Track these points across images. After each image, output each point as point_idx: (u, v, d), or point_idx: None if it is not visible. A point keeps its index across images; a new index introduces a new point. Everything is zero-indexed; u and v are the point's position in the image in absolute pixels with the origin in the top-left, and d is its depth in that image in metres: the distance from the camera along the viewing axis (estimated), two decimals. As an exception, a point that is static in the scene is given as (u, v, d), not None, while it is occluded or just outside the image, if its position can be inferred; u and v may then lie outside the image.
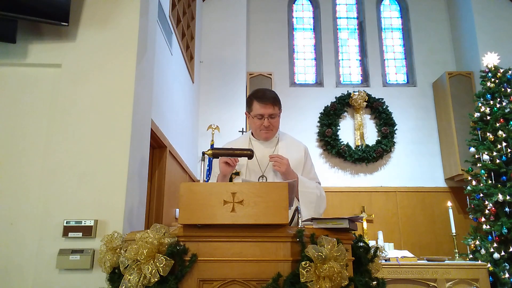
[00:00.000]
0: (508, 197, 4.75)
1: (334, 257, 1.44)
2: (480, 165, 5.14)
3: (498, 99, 5.32)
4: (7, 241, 2.15)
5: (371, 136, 6.58)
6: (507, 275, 4.52)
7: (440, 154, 6.49)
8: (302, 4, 7.46)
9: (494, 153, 5.05)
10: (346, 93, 6.68)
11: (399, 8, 7.40)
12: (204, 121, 6.09)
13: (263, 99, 2.10)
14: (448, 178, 6.30)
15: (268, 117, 2.11)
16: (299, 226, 1.60)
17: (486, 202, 4.91)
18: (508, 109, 5.20)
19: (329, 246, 1.46)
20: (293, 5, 7.42)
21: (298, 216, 1.68)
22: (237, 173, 2.14)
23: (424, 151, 6.52)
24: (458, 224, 4.98)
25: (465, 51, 6.62)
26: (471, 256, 4.86)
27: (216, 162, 2.15)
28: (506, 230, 4.66)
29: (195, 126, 5.93)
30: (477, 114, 5.42)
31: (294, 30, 7.30)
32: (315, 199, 2.09)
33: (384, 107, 6.62)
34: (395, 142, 6.52)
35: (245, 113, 2.26)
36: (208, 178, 5.38)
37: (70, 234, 2.12)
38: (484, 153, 5.12)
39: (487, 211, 4.91)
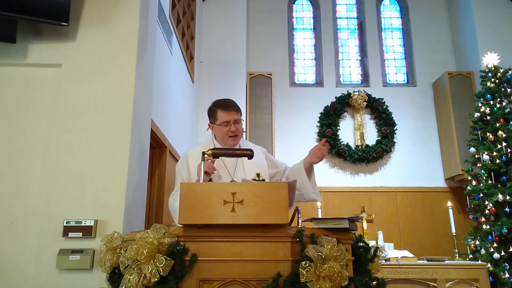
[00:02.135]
0: (508, 197, 4.75)
1: (334, 257, 1.45)
2: (480, 165, 5.14)
3: (498, 99, 5.32)
4: (7, 241, 2.15)
5: (371, 136, 6.58)
6: (507, 275, 4.52)
7: (440, 154, 6.49)
8: (302, 4, 7.46)
9: (494, 153, 5.05)
10: (346, 93, 6.68)
11: (399, 8, 7.40)
12: (204, 121, 6.07)
13: (226, 106, 2.21)
14: (448, 178, 6.30)
15: (234, 122, 2.20)
16: (299, 226, 1.60)
17: (486, 202, 4.91)
18: (508, 109, 5.20)
19: (329, 246, 1.46)
20: (293, 5, 7.42)
21: (298, 216, 1.68)
22: (210, 180, 2.16)
23: (424, 151, 6.51)
24: (458, 224, 4.98)
25: (465, 51, 6.62)
26: (471, 256, 4.86)
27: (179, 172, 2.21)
28: (506, 230, 4.66)
29: (195, 126, 5.93)
30: (477, 114, 5.42)
31: (294, 30, 7.30)
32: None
33: (384, 107, 6.62)
34: (395, 142, 6.52)
35: (208, 125, 2.31)
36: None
37: (70, 234, 2.13)
38: (484, 153, 5.12)
39: (487, 211, 4.91)
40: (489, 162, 5.04)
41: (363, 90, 6.64)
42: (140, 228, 2.50)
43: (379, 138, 6.51)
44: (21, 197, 2.21)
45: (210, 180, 2.16)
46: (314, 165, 2.25)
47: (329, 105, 6.64)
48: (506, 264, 4.57)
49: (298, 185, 2.17)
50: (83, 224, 2.14)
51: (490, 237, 4.79)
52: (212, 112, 2.26)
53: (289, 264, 1.49)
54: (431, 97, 6.77)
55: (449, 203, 4.59)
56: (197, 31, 6.06)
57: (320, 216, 4.93)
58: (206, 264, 1.50)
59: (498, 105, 5.26)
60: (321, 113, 6.64)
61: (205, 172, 2.00)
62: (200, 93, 6.27)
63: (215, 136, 2.32)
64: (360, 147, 6.44)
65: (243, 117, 6.08)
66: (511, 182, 4.90)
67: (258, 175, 2.22)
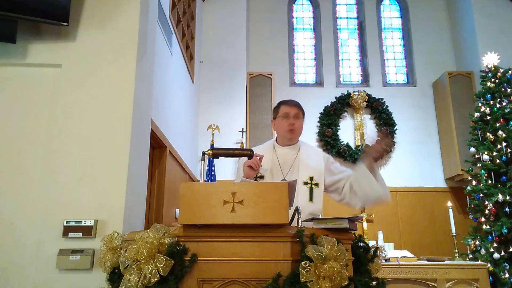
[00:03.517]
0: (508, 197, 4.75)
1: (334, 257, 1.44)
2: (480, 165, 5.14)
3: (498, 99, 5.32)
4: (7, 241, 2.15)
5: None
6: (507, 275, 4.53)
7: (440, 154, 6.49)
8: (302, 4, 7.46)
9: (494, 153, 5.05)
10: (346, 93, 6.68)
11: (399, 8, 7.40)
12: (204, 121, 6.09)
13: (289, 102, 2.34)
14: (448, 178, 6.30)
15: (294, 116, 2.26)
16: (299, 226, 1.60)
17: (486, 202, 4.91)
18: (508, 109, 5.20)
19: (329, 246, 1.46)
20: (293, 5, 7.42)
21: (298, 216, 1.68)
22: (262, 177, 2.21)
23: (424, 151, 6.51)
24: (458, 224, 4.97)
25: (465, 51, 6.62)
26: (471, 256, 4.86)
27: (235, 164, 2.25)
28: (506, 230, 4.66)
29: (195, 126, 5.93)
30: (477, 114, 5.42)
31: (294, 30, 7.30)
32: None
33: (384, 107, 6.62)
34: (395, 142, 6.52)
35: (271, 121, 2.43)
36: (208, 178, 5.39)
37: (70, 234, 2.12)
38: (484, 153, 5.12)
39: (487, 211, 4.91)
40: (489, 162, 5.04)
41: (363, 90, 6.64)
42: (140, 228, 2.50)
43: (379, 138, 6.50)
44: (21, 197, 2.21)
45: (262, 177, 2.21)
46: (376, 163, 2.22)
47: (329, 105, 6.64)
48: (506, 264, 4.57)
49: (365, 188, 2.15)
50: (83, 224, 2.14)
51: (490, 237, 4.79)
52: (275, 108, 2.36)
53: (289, 264, 1.49)
54: (431, 97, 6.77)
55: (449, 203, 4.59)
56: (197, 31, 6.06)
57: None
58: (206, 264, 1.50)
59: (498, 105, 5.27)
60: (321, 113, 6.64)
61: (250, 167, 2.05)
62: (200, 93, 6.28)
63: (276, 137, 2.40)
64: (360, 147, 6.44)
65: (243, 117, 6.14)
66: (511, 182, 4.90)
67: (311, 178, 2.22)
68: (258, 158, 2.09)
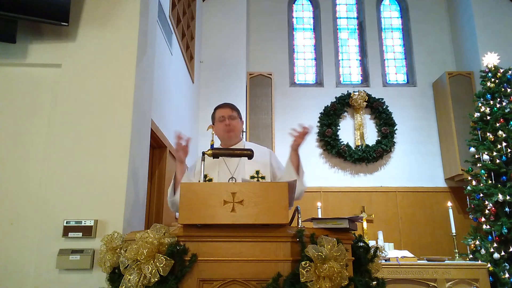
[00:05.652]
0: (508, 197, 4.75)
1: (334, 257, 1.45)
2: (480, 165, 5.14)
3: (498, 99, 5.32)
4: (7, 241, 2.15)
5: (371, 136, 6.58)
6: (507, 275, 4.52)
7: (440, 154, 6.48)
8: (302, 4, 7.46)
9: (494, 153, 5.05)
10: (346, 93, 6.68)
11: (399, 8, 7.40)
12: (204, 121, 6.08)
13: (222, 105, 2.43)
14: (448, 178, 6.30)
15: (228, 117, 2.33)
16: (299, 226, 1.60)
17: (486, 202, 4.91)
18: (508, 109, 5.20)
19: (329, 246, 1.46)
20: (293, 5, 7.42)
21: (298, 216, 1.68)
22: (210, 180, 2.26)
23: (424, 151, 6.51)
24: (458, 224, 4.98)
25: (465, 51, 6.62)
26: (471, 256, 4.86)
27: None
28: (506, 230, 4.66)
29: (195, 126, 5.93)
30: (477, 114, 5.42)
31: (294, 30, 7.30)
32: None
33: (384, 107, 6.61)
34: (395, 142, 6.52)
35: (211, 127, 2.50)
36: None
37: (70, 234, 2.13)
38: (484, 153, 5.12)
39: (487, 211, 4.91)
40: (489, 162, 5.04)
41: (363, 90, 6.64)
42: (140, 228, 2.51)
43: (379, 138, 6.51)
44: (21, 197, 2.21)
45: (211, 180, 2.24)
46: (299, 154, 2.25)
47: (329, 105, 6.64)
48: (506, 264, 4.57)
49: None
50: (83, 224, 2.14)
51: (490, 237, 4.79)
52: (212, 114, 2.44)
53: (289, 264, 1.49)
54: (431, 97, 6.77)
55: (449, 203, 4.59)
56: (197, 31, 6.05)
57: (320, 216, 4.94)
58: (206, 264, 1.50)
59: (498, 105, 5.26)
60: (321, 113, 6.64)
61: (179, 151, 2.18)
62: (200, 93, 6.27)
63: (220, 142, 2.47)
64: (360, 147, 6.44)
65: (243, 117, 6.12)
66: (511, 182, 4.90)
67: (257, 172, 2.27)
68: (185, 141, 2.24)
